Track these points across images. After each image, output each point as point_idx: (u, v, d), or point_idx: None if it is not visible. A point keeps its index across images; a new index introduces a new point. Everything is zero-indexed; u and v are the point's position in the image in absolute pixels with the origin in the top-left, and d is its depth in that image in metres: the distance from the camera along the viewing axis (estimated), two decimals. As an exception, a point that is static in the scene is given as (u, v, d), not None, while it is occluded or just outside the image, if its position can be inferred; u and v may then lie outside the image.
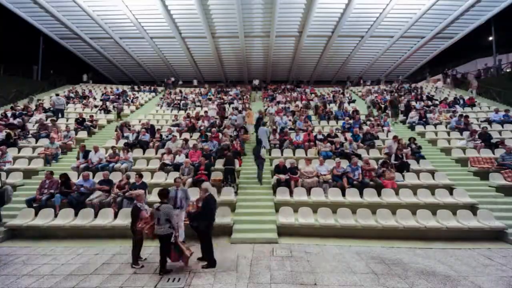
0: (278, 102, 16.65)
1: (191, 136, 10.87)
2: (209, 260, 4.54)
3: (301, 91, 20.52)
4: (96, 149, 8.61)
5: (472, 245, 5.43)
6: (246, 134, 10.84)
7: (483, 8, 19.39)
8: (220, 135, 10.39)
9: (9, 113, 12.05)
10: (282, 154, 9.36)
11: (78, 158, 8.61)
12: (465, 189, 7.03)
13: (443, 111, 13.05)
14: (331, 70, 27.90)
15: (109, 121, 13.55)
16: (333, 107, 15.23)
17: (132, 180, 6.88)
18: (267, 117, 13.29)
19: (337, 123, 12.69)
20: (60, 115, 13.02)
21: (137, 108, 16.49)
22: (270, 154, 9.57)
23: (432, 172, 7.90)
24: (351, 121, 11.97)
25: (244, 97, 19.23)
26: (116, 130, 11.06)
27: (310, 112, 14.31)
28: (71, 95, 17.66)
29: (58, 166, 8.72)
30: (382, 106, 15.06)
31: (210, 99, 17.97)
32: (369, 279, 4.16)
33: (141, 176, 6.84)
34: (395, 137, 9.09)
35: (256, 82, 24.63)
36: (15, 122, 11.15)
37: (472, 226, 5.76)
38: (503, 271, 4.44)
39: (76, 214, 6.18)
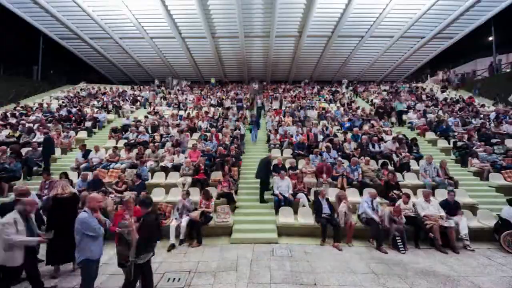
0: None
1: (191, 136, 10.86)
2: None
3: (300, 91, 20.48)
4: (96, 149, 8.63)
5: (472, 245, 5.40)
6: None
7: (483, 8, 19.37)
8: (220, 135, 10.39)
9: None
10: (282, 154, 9.35)
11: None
12: (465, 189, 7.01)
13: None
14: (331, 70, 27.88)
15: (109, 121, 13.53)
16: (333, 107, 15.22)
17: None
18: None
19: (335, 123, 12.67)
20: None
21: (137, 108, 16.47)
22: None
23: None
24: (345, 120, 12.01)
25: (245, 96, 19.18)
26: (115, 132, 10.99)
27: (310, 113, 14.26)
28: (68, 94, 17.66)
29: (58, 166, 8.72)
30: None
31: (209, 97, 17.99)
32: (369, 279, 4.16)
33: (139, 176, 6.84)
34: (394, 138, 9.07)
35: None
36: (15, 122, 11.14)
37: (472, 226, 5.73)
38: (503, 271, 4.44)
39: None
